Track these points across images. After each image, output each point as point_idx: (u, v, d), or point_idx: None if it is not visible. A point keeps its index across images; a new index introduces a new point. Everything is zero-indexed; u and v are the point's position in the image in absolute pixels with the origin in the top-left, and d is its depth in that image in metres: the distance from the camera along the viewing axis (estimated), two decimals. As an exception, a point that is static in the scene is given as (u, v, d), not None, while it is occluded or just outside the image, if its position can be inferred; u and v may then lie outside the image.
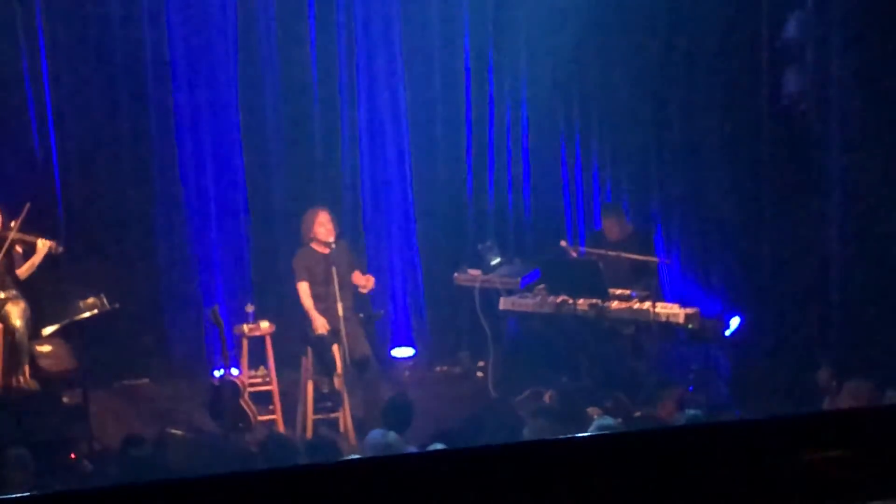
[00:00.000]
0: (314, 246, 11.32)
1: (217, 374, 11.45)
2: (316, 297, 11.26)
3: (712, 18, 12.12)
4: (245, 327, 11.51)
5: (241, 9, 12.85)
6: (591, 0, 12.54)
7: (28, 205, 11.22)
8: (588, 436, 7.64)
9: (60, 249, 11.46)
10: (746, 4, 11.81)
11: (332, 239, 11.23)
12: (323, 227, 11.25)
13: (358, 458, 8.35)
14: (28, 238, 11.34)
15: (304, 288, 11.28)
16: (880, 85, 10.79)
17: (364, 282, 11.34)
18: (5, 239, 11.25)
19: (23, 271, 11.40)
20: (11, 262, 11.37)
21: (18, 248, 11.40)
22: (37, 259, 11.35)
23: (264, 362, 11.65)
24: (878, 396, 9.00)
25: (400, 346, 13.41)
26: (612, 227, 12.11)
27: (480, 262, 12.61)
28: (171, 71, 12.75)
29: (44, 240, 11.36)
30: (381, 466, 4.54)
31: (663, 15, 12.48)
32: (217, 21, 12.85)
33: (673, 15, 12.43)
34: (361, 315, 11.67)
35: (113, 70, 12.66)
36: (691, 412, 9.30)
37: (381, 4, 13.13)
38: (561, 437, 8.08)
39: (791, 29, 11.49)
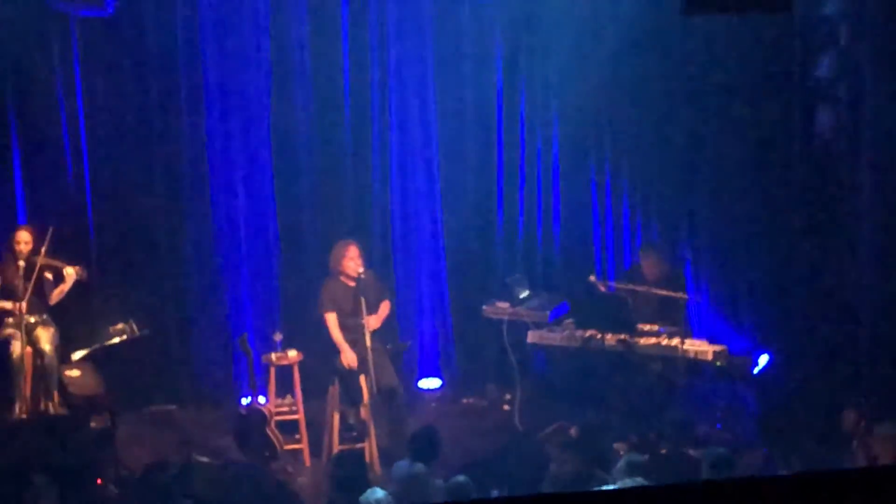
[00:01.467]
0: (342, 278, 11.35)
1: (244, 401, 11.48)
2: (343, 327, 11.29)
3: (745, 57, 12.12)
4: (273, 356, 11.54)
5: (275, 42, 12.91)
6: (623, 37, 12.51)
7: (51, 229, 11.32)
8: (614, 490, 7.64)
9: (86, 275, 11.53)
10: (780, 42, 11.80)
11: (360, 271, 11.26)
12: (352, 262, 11.28)
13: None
14: (56, 264, 11.42)
15: (332, 319, 11.31)
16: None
17: (367, 320, 11.25)
18: (35, 264, 11.33)
19: (53, 297, 11.50)
20: (42, 288, 11.47)
21: (48, 275, 11.48)
22: (66, 286, 11.46)
23: (291, 391, 11.66)
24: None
25: (427, 377, 13.42)
26: (650, 265, 12.08)
27: (509, 295, 12.59)
28: (205, 100, 12.83)
29: (71, 266, 11.44)
30: None
31: (697, 53, 12.46)
32: (250, 53, 12.91)
33: (706, 54, 12.41)
34: (389, 346, 11.69)
35: (146, 98, 12.75)
36: (719, 450, 9.24)
37: (413, 40, 13.15)
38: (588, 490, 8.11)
39: (824, 67, 11.49)
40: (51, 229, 11.33)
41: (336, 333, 11.29)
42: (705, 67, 12.50)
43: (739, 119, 12.32)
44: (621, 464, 9.15)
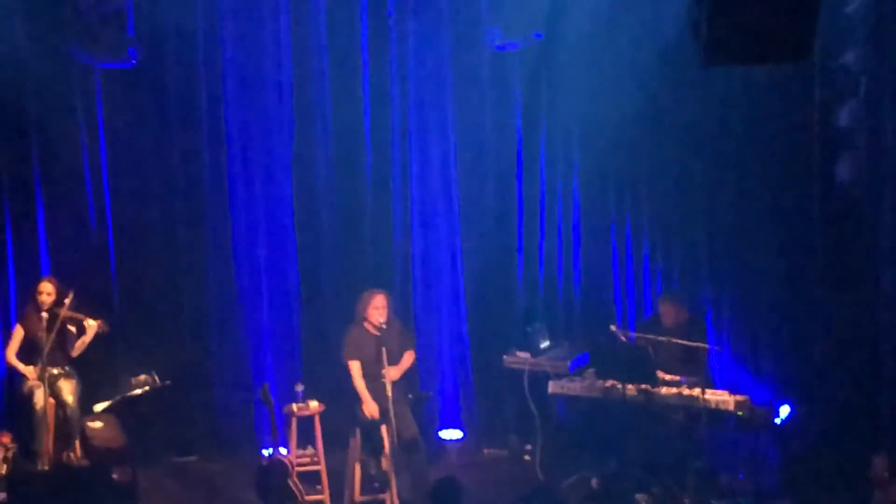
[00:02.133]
0: (367, 326, 11.39)
1: (266, 452, 11.49)
2: (366, 376, 11.31)
3: (765, 107, 12.14)
4: (294, 406, 11.55)
5: (297, 91, 13.01)
6: (642, 88, 12.54)
7: (72, 291, 11.40)
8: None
9: (108, 329, 11.59)
10: (799, 92, 11.81)
11: (382, 321, 11.29)
12: (377, 311, 11.33)
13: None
14: (78, 316, 11.48)
15: (356, 367, 11.34)
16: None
17: (386, 372, 11.26)
18: (58, 316, 11.40)
19: (75, 350, 11.57)
20: (64, 340, 11.54)
21: (71, 327, 11.55)
22: (87, 338, 11.55)
23: (313, 442, 11.67)
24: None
25: (448, 427, 13.41)
26: (669, 313, 12.08)
27: (530, 345, 12.60)
28: (226, 151, 12.93)
29: (93, 319, 11.51)
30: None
31: (716, 103, 12.48)
32: (272, 102, 13.03)
33: (725, 104, 12.43)
34: (410, 396, 11.70)
35: (169, 148, 12.90)
36: (742, 501, 9.21)
37: (435, 90, 13.24)
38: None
39: (844, 116, 11.50)
40: (73, 289, 11.45)
41: (359, 382, 11.31)
42: (724, 117, 12.51)
43: (759, 169, 12.32)
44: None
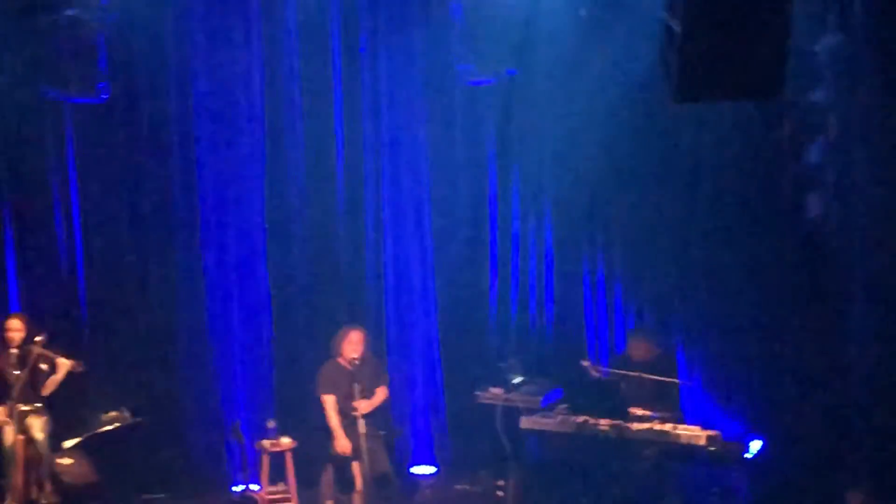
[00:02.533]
0: (341, 361, 11.38)
1: (237, 489, 11.46)
2: (339, 412, 11.29)
3: (735, 143, 12.20)
4: (266, 443, 11.53)
5: (269, 126, 13.01)
6: (614, 123, 12.60)
7: (44, 331, 11.37)
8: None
9: (81, 369, 11.54)
10: (769, 129, 11.88)
11: (355, 356, 11.28)
12: (350, 346, 11.34)
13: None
14: (50, 355, 11.44)
15: (330, 401, 11.33)
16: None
17: (357, 403, 11.27)
18: (30, 353, 11.35)
19: (46, 388, 11.51)
20: (36, 378, 11.47)
21: (43, 365, 11.49)
22: (59, 377, 11.50)
23: (284, 478, 11.64)
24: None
25: (420, 463, 13.39)
26: (638, 349, 12.12)
27: (502, 381, 12.59)
28: (198, 185, 12.91)
29: (65, 359, 11.46)
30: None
31: (687, 139, 12.54)
32: (243, 136, 13.02)
33: (696, 140, 12.50)
34: (382, 432, 11.68)
35: (140, 183, 12.86)
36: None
37: (408, 126, 13.27)
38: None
39: (813, 153, 11.57)
40: (45, 326, 11.42)
41: (333, 417, 11.30)
42: (695, 153, 12.58)
43: (729, 205, 12.38)
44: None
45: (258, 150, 13.05)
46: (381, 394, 11.62)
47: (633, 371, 11.77)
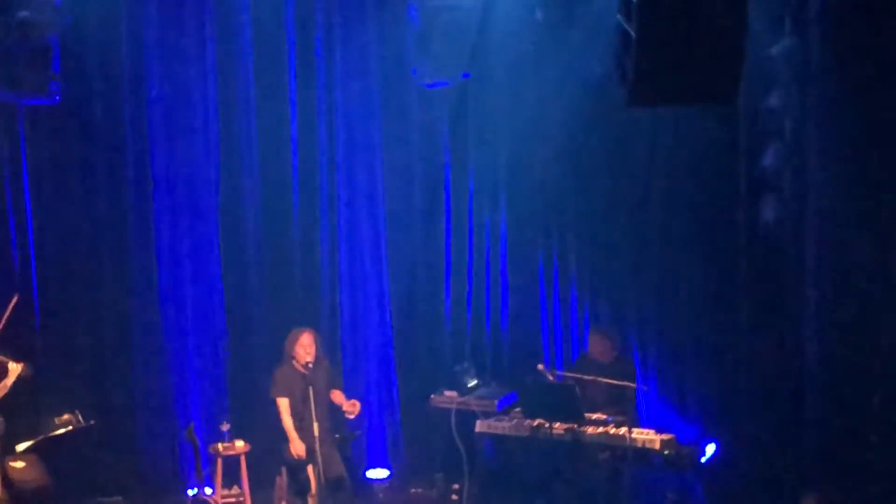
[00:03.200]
0: (294, 364, 11.34)
1: (191, 492, 11.41)
2: (293, 415, 11.25)
3: (690, 147, 12.24)
4: (220, 446, 11.49)
5: (223, 126, 12.96)
6: (569, 126, 12.63)
7: (15, 299, 11.26)
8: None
9: (30, 373, 11.42)
10: (725, 133, 11.92)
11: (309, 360, 11.25)
12: (303, 349, 11.29)
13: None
14: (0, 359, 11.32)
15: (284, 404, 11.29)
16: (857, 215, 10.88)
17: (350, 407, 11.36)
18: (-23, 358, 11.23)
19: (-4, 392, 11.38)
20: (-15, 382, 11.34)
21: (-8, 369, 11.37)
22: (9, 381, 11.32)
23: (238, 481, 11.61)
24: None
25: (375, 467, 13.36)
26: (598, 345, 12.15)
27: (457, 385, 12.60)
28: (152, 185, 12.85)
29: (15, 363, 11.33)
30: None
31: (642, 143, 12.59)
32: (198, 137, 12.96)
33: (652, 143, 12.54)
34: (337, 436, 11.67)
35: (94, 186, 12.79)
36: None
37: (363, 128, 13.24)
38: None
39: (769, 157, 11.61)
40: (13, 302, 11.30)
41: (287, 420, 11.26)
42: (650, 158, 12.62)
43: (685, 209, 12.42)
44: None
45: (212, 151, 12.99)
46: (339, 395, 11.58)
47: (591, 374, 11.79)
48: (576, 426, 11.44)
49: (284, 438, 11.24)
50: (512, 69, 12.79)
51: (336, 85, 13.16)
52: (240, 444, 11.56)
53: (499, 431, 12.02)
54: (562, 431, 11.48)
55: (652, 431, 11.45)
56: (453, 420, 12.30)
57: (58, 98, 11.74)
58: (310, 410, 11.05)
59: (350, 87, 13.19)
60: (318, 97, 13.15)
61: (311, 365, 11.26)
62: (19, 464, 11.43)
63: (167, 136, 12.90)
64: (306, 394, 11.11)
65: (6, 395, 11.41)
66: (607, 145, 12.74)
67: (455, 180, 13.38)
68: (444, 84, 12.71)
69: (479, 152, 13.32)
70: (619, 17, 8.42)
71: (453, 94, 13.08)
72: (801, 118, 11.33)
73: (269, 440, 11.57)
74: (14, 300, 11.32)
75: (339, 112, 13.20)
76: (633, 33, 8.00)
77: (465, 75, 12.55)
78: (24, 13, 11.30)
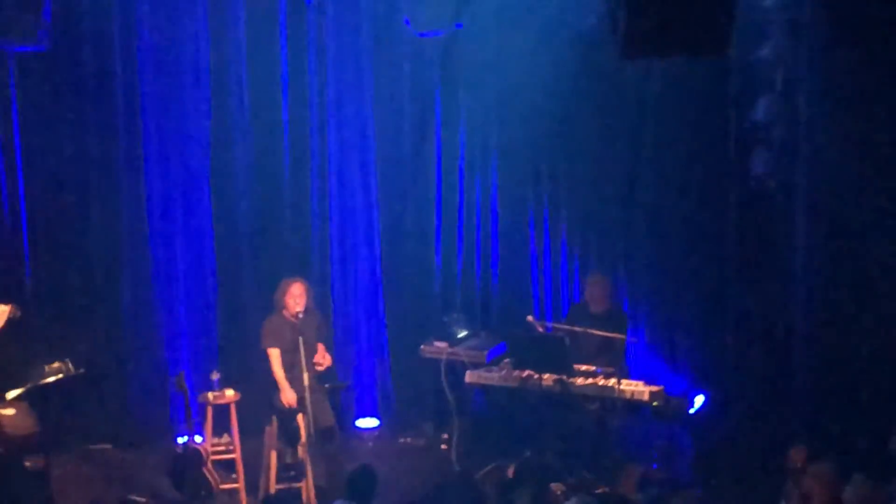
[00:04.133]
0: (284, 314, 11.34)
1: (180, 441, 11.42)
2: (283, 365, 11.26)
3: (682, 99, 12.23)
4: (210, 395, 11.49)
5: (214, 76, 12.90)
6: (560, 77, 12.59)
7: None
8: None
9: (20, 314, 11.39)
10: (716, 85, 11.92)
11: (299, 310, 11.23)
12: (293, 299, 11.27)
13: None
14: (-13, 302, 11.28)
15: (275, 354, 11.27)
16: (849, 167, 10.89)
17: (320, 359, 11.34)
18: (-34, 304, 11.19)
19: (-16, 336, 11.34)
20: (-27, 327, 11.30)
21: (-21, 314, 11.33)
22: (-1, 323, 11.30)
23: (228, 430, 11.62)
24: (843, 479, 8.95)
25: (364, 416, 13.41)
26: (597, 288, 12.16)
27: (447, 335, 12.61)
28: (142, 135, 12.80)
29: (3, 305, 11.29)
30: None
31: (634, 94, 12.58)
32: (188, 86, 12.90)
33: (643, 95, 12.53)
34: (326, 385, 11.66)
35: (84, 134, 12.71)
36: (655, 491, 9.28)
37: (354, 79, 13.18)
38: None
39: (760, 110, 11.60)
40: None
41: (278, 370, 11.25)
42: (642, 108, 12.61)
43: (675, 161, 12.43)
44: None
45: (203, 101, 12.94)
46: (321, 349, 11.58)
47: (584, 325, 11.81)
48: (564, 377, 11.46)
49: (275, 387, 11.24)
50: (503, 20, 12.72)
51: (327, 33, 13.07)
52: (230, 392, 11.56)
53: (488, 382, 12.05)
54: (551, 383, 11.50)
55: (641, 383, 11.47)
56: (443, 370, 12.32)
57: (47, 44, 11.66)
58: (300, 360, 11.05)
59: (341, 36, 13.11)
60: (309, 46, 13.06)
61: (301, 315, 11.24)
62: (9, 411, 11.40)
63: (157, 82, 12.83)
64: (296, 343, 11.10)
65: (-4, 341, 11.40)
66: (598, 96, 12.71)
67: (445, 132, 13.34)
68: (437, 33, 12.66)
69: (470, 104, 13.27)
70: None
71: (444, 45, 13.02)
72: (793, 70, 11.33)
73: (259, 389, 11.57)
74: None
75: (329, 61, 13.12)
76: (625, -16, 7.98)
77: (458, 25, 12.50)
78: (12, -41, 11.22)
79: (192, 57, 12.84)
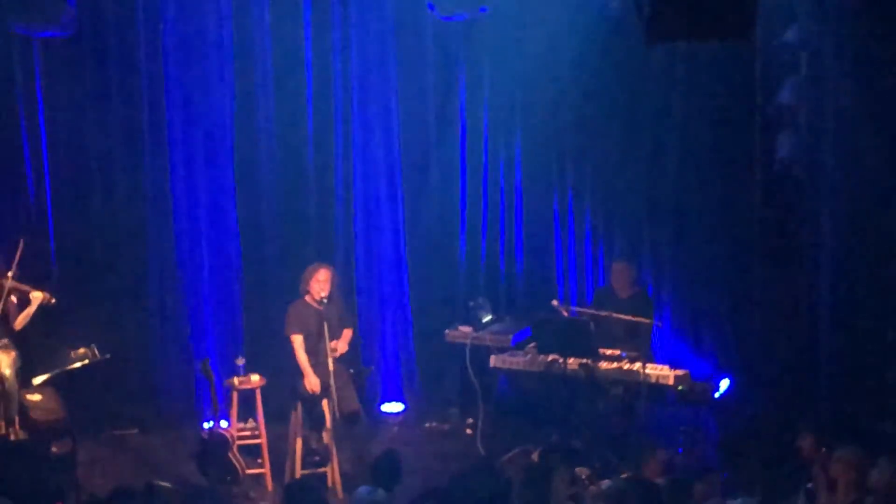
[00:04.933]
0: (308, 300, 11.34)
1: (206, 426, 11.43)
2: (308, 350, 11.27)
3: (707, 83, 12.20)
4: (235, 380, 11.51)
5: (238, 62, 12.89)
6: (585, 62, 12.59)
7: (21, 244, 11.24)
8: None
9: (54, 301, 11.46)
10: (741, 69, 11.87)
11: (324, 295, 11.24)
12: (318, 284, 11.27)
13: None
14: (23, 288, 11.35)
15: (298, 340, 11.29)
16: (870, 149, 10.84)
17: (335, 344, 11.28)
18: (2, 287, 11.24)
19: (18, 322, 11.39)
20: (7, 312, 11.36)
21: (13, 298, 11.39)
22: (31, 310, 11.37)
23: (254, 415, 11.64)
24: (869, 463, 8.93)
25: (390, 401, 13.42)
26: (622, 275, 12.16)
27: (472, 320, 12.63)
28: (168, 122, 12.81)
29: (38, 291, 11.36)
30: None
31: (659, 79, 12.54)
32: (213, 72, 12.90)
33: (668, 80, 12.50)
34: (352, 370, 11.68)
35: (110, 120, 12.72)
36: (680, 476, 9.27)
37: (376, 64, 13.17)
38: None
39: (785, 94, 11.56)
40: (21, 245, 11.27)
41: (302, 356, 11.26)
42: (667, 93, 12.59)
43: (701, 144, 12.40)
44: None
45: (227, 84, 12.93)
46: (347, 334, 11.59)
47: (609, 309, 11.80)
48: (589, 362, 11.46)
49: (299, 373, 11.26)
50: (527, 3, 12.69)
51: (351, 18, 13.07)
52: (255, 378, 11.59)
53: (513, 366, 12.07)
54: (576, 367, 11.50)
55: (666, 367, 11.47)
56: (468, 355, 12.33)
57: (71, 30, 11.68)
58: (324, 345, 11.07)
59: (365, 21, 13.10)
60: (333, 31, 13.06)
61: (325, 300, 11.25)
62: (35, 397, 11.48)
63: (182, 66, 12.83)
64: (321, 329, 11.12)
65: (23, 328, 11.45)
66: (623, 80, 12.69)
67: (470, 116, 13.33)
68: (462, 17, 12.62)
69: (494, 88, 13.26)
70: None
71: (469, 27, 13.00)
72: (818, 53, 11.28)
73: (284, 375, 11.59)
74: (21, 246, 11.30)
75: (353, 45, 13.11)
76: (650, -32, 7.94)
77: (483, 9, 12.44)
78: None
79: (217, 40, 12.83)
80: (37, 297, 11.39)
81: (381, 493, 9.18)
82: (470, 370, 12.30)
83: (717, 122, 12.27)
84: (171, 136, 12.86)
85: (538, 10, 12.67)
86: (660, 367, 11.49)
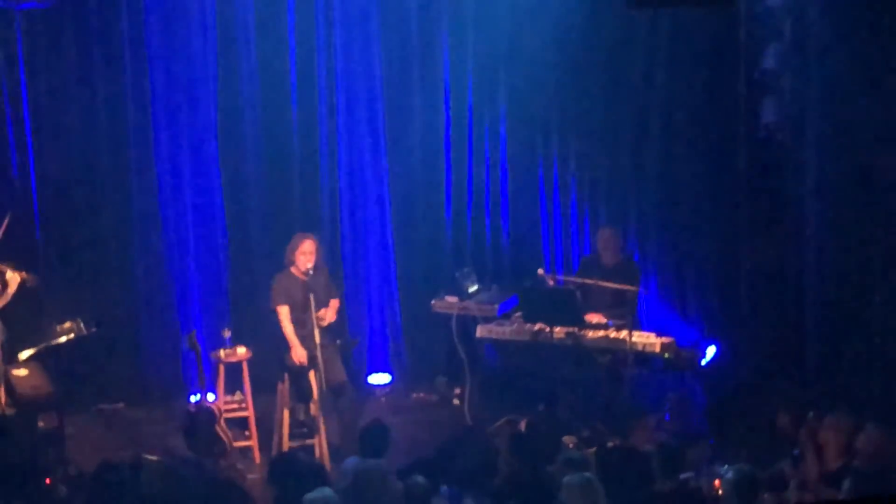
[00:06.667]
0: (294, 271, 11.31)
1: (193, 399, 11.43)
2: (294, 322, 11.25)
3: (691, 49, 12.20)
4: (222, 353, 11.49)
5: (221, 33, 12.83)
6: (569, 29, 12.58)
7: (8, 218, 11.19)
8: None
9: (35, 282, 11.38)
10: (725, 35, 11.86)
11: (310, 266, 11.21)
12: (304, 255, 11.23)
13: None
14: (2, 267, 11.22)
15: (284, 312, 11.26)
16: (855, 115, 10.83)
17: (322, 314, 11.25)
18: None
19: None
20: (-12, 290, 11.29)
21: (-5, 276, 11.32)
22: (10, 291, 11.23)
23: (241, 388, 11.63)
24: (857, 428, 8.95)
25: (376, 372, 13.41)
26: (608, 242, 12.14)
27: (458, 289, 12.61)
28: (151, 95, 12.74)
29: (16, 272, 11.22)
30: None
31: (643, 46, 12.54)
32: (196, 43, 12.82)
33: (652, 46, 12.49)
34: (338, 342, 11.65)
35: (92, 94, 12.65)
36: (668, 443, 9.29)
37: (360, 33, 13.10)
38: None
39: (769, 59, 11.54)
40: (5, 221, 11.21)
41: (288, 328, 11.23)
42: (651, 60, 12.59)
43: (685, 111, 12.40)
44: (561, 459, 9.08)
45: (210, 58, 12.87)
46: (335, 304, 11.57)
47: (595, 277, 11.79)
48: (576, 330, 11.47)
49: (286, 345, 11.24)
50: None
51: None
52: (242, 350, 11.56)
53: (499, 336, 12.07)
54: (562, 335, 11.51)
55: (652, 335, 11.49)
56: (454, 325, 12.32)
57: (52, 1, 11.61)
58: (311, 317, 11.05)
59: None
60: (316, 2, 13.00)
61: (311, 271, 11.22)
62: (21, 371, 11.43)
63: (165, 41, 12.76)
64: (307, 300, 11.09)
65: (7, 304, 11.39)
66: (607, 47, 12.70)
67: (454, 85, 13.30)
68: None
69: (478, 57, 13.23)
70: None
71: (452, -1, 13.01)
72: (801, 18, 11.26)
73: (270, 347, 11.56)
74: (6, 219, 11.24)
75: (336, 15, 13.04)
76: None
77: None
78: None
79: (199, 12, 12.75)
80: (13, 277, 11.22)
81: (369, 463, 9.19)
82: (456, 340, 12.30)
83: (701, 89, 12.26)
84: (153, 108, 12.78)
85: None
86: (646, 334, 11.50)
